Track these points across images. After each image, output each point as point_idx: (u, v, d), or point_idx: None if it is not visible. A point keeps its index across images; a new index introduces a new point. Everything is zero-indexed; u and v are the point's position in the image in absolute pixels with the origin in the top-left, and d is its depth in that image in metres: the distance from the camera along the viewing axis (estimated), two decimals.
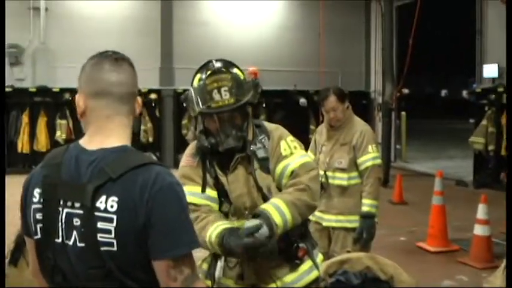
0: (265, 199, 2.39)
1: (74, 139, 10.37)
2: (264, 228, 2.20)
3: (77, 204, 1.47)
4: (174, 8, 13.54)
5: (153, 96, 12.98)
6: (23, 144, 12.10)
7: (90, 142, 1.55)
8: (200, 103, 2.35)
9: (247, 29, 14.04)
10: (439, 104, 40.66)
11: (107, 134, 1.55)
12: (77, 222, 1.47)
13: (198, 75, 2.43)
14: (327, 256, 3.68)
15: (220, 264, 2.44)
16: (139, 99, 1.64)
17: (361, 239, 3.92)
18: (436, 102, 41.33)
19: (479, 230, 5.79)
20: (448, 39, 28.72)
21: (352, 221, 3.99)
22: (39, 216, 1.52)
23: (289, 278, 2.42)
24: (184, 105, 2.44)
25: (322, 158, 4.11)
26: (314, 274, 2.48)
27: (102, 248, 1.44)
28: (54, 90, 12.26)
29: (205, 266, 2.53)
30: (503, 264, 2.72)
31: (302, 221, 2.40)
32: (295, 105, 13.81)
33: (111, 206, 1.44)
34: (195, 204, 2.37)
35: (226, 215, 2.45)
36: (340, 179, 4.03)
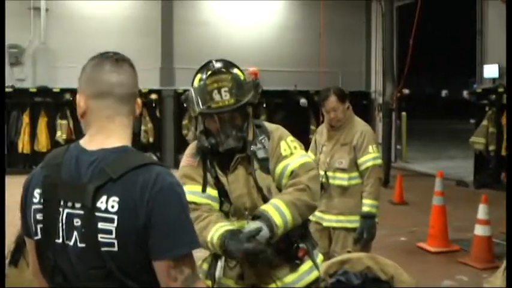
0: (265, 199, 2.39)
1: (74, 139, 10.36)
2: (264, 230, 2.20)
3: (78, 205, 1.47)
4: (174, 8, 13.54)
5: (153, 96, 12.98)
6: (23, 144, 12.10)
7: (90, 142, 1.55)
8: (200, 103, 2.35)
9: (247, 29, 14.05)
10: (440, 104, 40.65)
11: (107, 135, 1.55)
12: (77, 222, 1.47)
13: (199, 76, 2.43)
14: (327, 256, 3.68)
15: (220, 264, 2.44)
16: (139, 100, 1.65)
17: (361, 239, 3.92)
18: (436, 103, 41.31)
19: (479, 230, 5.79)
20: (449, 39, 28.71)
21: (352, 221, 3.99)
22: (39, 216, 1.52)
23: (289, 278, 2.42)
24: (185, 105, 2.44)
25: (322, 158, 4.11)
26: (314, 274, 2.48)
27: (103, 249, 1.44)
28: (54, 90, 12.26)
29: (205, 266, 2.53)
30: (504, 264, 2.71)
31: (302, 221, 2.40)
32: (295, 105, 13.82)
33: (112, 207, 1.44)
34: (195, 203, 2.37)
35: (226, 215, 2.45)
36: (340, 179, 4.03)
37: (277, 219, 2.25)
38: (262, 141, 2.45)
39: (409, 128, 14.93)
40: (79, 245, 1.47)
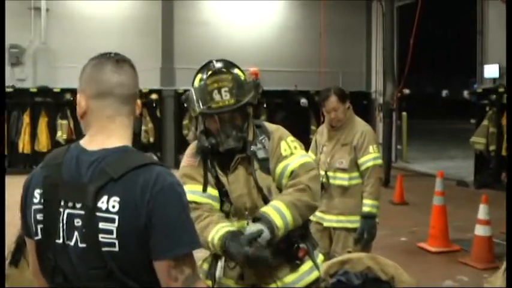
0: (266, 199, 2.40)
1: (75, 139, 10.38)
2: (265, 233, 2.20)
3: (78, 205, 1.47)
4: (174, 8, 13.55)
5: (154, 96, 12.99)
6: (24, 144, 12.10)
7: (90, 142, 1.55)
8: (201, 103, 2.35)
9: (248, 29, 14.05)
10: (440, 104, 40.62)
11: (108, 135, 1.55)
12: (78, 222, 1.47)
13: (199, 76, 2.43)
14: (328, 256, 3.68)
15: (220, 264, 2.44)
16: (138, 101, 1.65)
17: (362, 240, 3.92)
18: (437, 103, 41.29)
19: (480, 231, 5.79)
20: (449, 39, 28.69)
21: (353, 222, 3.99)
22: (39, 216, 1.52)
23: (289, 278, 2.42)
24: (185, 105, 2.44)
25: (323, 158, 4.11)
26: (314, 274, 2.48)
27: (104, 249, 1.44)
28: (55, 90, 12.27)
29: (205, 266, 2.53)
30: (505, 265, 2.71)
31: (303, 222, 2.40)
32: (296, 105, 13.82)
33: (113, 206, 1.44)
34: (196, 203, 2.37)
35: (227, 215, 2.45)
36: (341, 179, 4.03)
37: (278, 221, 2.25)
38: (263, 141, 2.45)
39: (409, 128, 14.92)
40: (80, 245, 1.47)
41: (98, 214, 1.44)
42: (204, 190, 2.42)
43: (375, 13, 14.75)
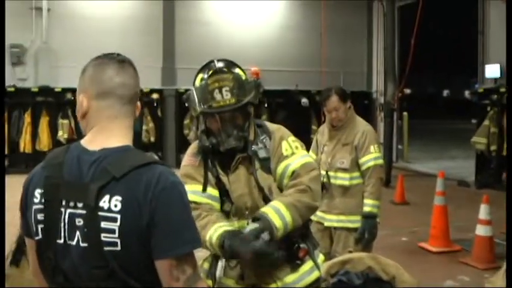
0: (266, 199, 2.39)
1: (76, 139, 10.39)
2: (264, 233, 2.20)
3: (80, 204, 1.47)
4: (176, 7, 13.55)
5: (155, 96, 13.00)
6: (25, 144, 12.11)
7: (91, 142, 1.55)
8: (202, 103, 2.35)
9: (249, 29, 14.04)
10: (441, 104, 40.62)
11: (109, 134, 1.56)
12: (79, 222, 1.47)
13: (200, 75, 2.43)
14: (328, 256, 3.68)
15: (221, 264, 2.44)
16: (138, 102, 1.66)
17: (362, 239, 3.92)
18: (438, 102, 41.29)
19: (481, 231, 5.79)
20: (450, 39, 28.67)
21: (353, 221, 3.98)
22: (40, 216, 1.52)
23: (290, 278, 2.42)
24: (186, 105, 2.44)
25: (324, 158, 4.11)
26: (315, 274, 2.48)
27: (106, 248, 1.44)
28: (56, 90, 12.27)
29: (206, 266, 2.53)
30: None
31: (303, 222, 2.40)
32: (297, 105, 13.82)
33: (115, 206, 1.44)
34: (196, 203, 2.37)
35: (227, 215, 2.45)
36: (342, 179, 4.03)
37: (277, 222, 2.25)
38: (264, 140, 2.45)
39: (410, 127, 14.91)
40: (81, 244, 1.47)
41: (100, 213, 1.44)
42: (204, 190, 2.42)
43: (376, 13, 14.74)
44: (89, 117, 1.58)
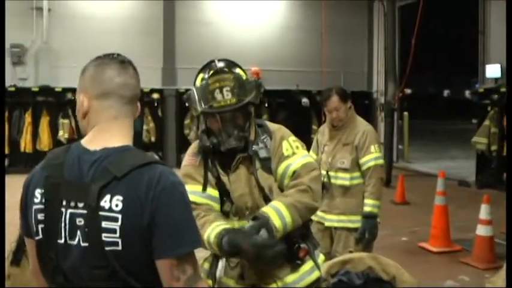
0: (267, 199, 2.39)
1: (76, 138, 10.39)
2: (262, 229, 2.20)
3: (81, 204, 1.47)
4: (176, 7, 13.55)
5: (155, 96, 13.00)
6: (25, 143, 12.13)
7: (92, 142, 1.55)
8: (202, 103, 2.35)
9: (249, 29, 14.05)
10: (442, 104, 40.60)
11: (109, 134, 1.56)
12: (80, 222, 1.47)
13: (201, 75, 2.43)
14: (329, 256, 3.68)
15: (221, 263, 2.44)
16: (138, 102, 1.66)
17: (363, 239, 3.92)
18: (438, 102, 41.26)
19: (481, 231, 5.78)
20: (451, 39, 28.66)
21: (354, 221, 3.98)
22: (41, 216, 1.52)
23: (290, 278, 2.42)
24: (187, 104, 2.44)
25: (324, 158, 4.11)
26: (315, 274, 2.48)
27: (107, 248, 1.44)
28: (56, 89, 12.29)
29: (206, 266, 2.53)
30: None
31: (303, 223, 2.40)
32: (297, 105, 13.82)
33: (116, 205, 1.44)
34: (195, 203, 2.36)
35: (227, 215, 2.45)
36: (342, 179, 4.03)
37: (277, 222, 2.25)
38: (264, 140, 2.45)
39: (411, 127, 14.91)
40: (82, 244, 1.47)
41: (101, 213, 1.44)
42: (204, 190, 2.42)
43: (377, 13, 14.73)
44: (90, 117, 1.58)
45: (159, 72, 13.31)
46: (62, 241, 1.49)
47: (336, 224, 4.04)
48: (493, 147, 10.42)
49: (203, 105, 2.35)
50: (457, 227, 6.85)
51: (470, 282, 5.31)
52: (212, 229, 2.28)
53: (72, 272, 1.50)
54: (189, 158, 2.52)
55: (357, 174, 4.02)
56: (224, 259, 2.43)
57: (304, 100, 13.82)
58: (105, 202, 1.45)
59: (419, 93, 36.90)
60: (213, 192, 2.44)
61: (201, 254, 1.98)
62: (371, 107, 14.74)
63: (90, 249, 1.46)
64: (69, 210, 1.49)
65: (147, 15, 13.28)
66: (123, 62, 1.61)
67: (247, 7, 14.06)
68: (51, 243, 1.51)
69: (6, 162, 11.40)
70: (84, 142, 1.57)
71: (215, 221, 2.33)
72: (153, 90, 12.84)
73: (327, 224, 4.07)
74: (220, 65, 2.40)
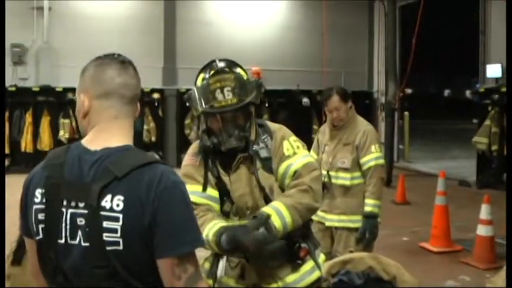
0: (268, 199, 2.40)
1: (77, 138, 10.37)
2: (261, 227, 2.20)
3: (81, 204, 1.47)
4: (177, 7, 13.55)
5: (156, 95, 12.99)
6: (26, 143, 12.12)
7: (92, 142, 1.55)
8: (203, 103, 2.36)
9: (250, 29, 14.04)
10: (442, 104, 40.55)
11: (110, 134, 1.56)
12: (81, 222, 1.47)
13: (202, 75, 2.43)
14: (329, 256, 3.68)
15: (222, 263, 2.44)
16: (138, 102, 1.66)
17: (363, 239, 3.92)
18: (439, 102, 41.21)
19: (482, 231, 5.78)
20: (452, 39, 28.62)
21: (354, 221, 3.99)
22: (41, 216, 1.52)
23: (290, 278, 2.42)
24: (187, 104, 2.44)
25: (325, 158, 4.11)
26: (316, 274, 2.48)
27: (108, 248, 1.44)
28: (57, 89, 12.28)
29: (207, 265, 2.53)
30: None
31: (303, 223, 2.40)
32: (298, 105, 13.82)
33: (117, 205, 1.44)
34: (194, 203, 2.35)
35: (228, 215, 2.45)
36: (343, 178, 4.03)
37: (277, 222, 2.25)
38: (265, 140, 2.46)
39: (411, 127, 14.91)
40: (83, 244, 1.47)
41: (102, 213, 1.44)
42: (204, 190, 2.42)
43: (377, 13, 14.73)
44: (90, 117, 1.58)
45: (159, 72, 13.31)
46: (63, 241, 1.49)
47: (336, 224, 4.05)
48: (494, 147, 10.41)
49: (204, 105, 2.35)
50: (457, 227, 6.85)
51: (470, 282, 5.31)
52: (210, 228, 2.28)
53: (72, 272, 1.50)
54: (189, 157, 2.52)
55: (357, 174, 4.02)
56: (225, 259, 2.43)
57: (305, 100, 13.82)
58: (106, 202, 1.45)
59: (420, 93, 36.85)
60: (212, 192, 2.44)
61: (201, 253, 1.98)
62: (372, 107, 14.74)
63: (91, 249, 1.46)
64: (70, 210, 1.48)
65: (147, 15, 13.28)
66: (123, 62, 1.61)
67: (248, 7, 14.05)
68: (52, 243, 1.51)
69: (7, 162, 11.41)
70: (84, 142, 1.57)
71: (213, 219, 2.33)
72: (153, 90, 12.84)
73: (327, 223, 4.07)
74: (221, 65, 2.40)
